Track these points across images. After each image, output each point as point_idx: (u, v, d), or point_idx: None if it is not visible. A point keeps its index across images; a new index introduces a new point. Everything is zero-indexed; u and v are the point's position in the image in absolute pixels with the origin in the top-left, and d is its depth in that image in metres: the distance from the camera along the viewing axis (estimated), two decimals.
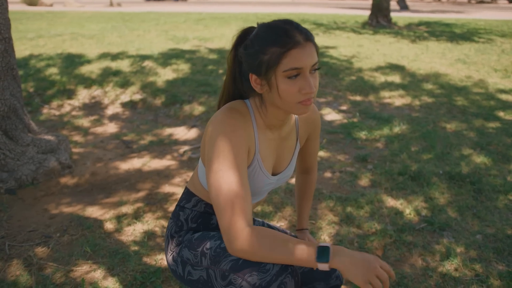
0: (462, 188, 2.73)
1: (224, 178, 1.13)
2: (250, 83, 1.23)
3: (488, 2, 30.23)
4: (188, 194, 1.44)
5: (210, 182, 1.15)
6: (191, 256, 1.32)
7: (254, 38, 1.18)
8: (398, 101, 4.51)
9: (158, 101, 4.54)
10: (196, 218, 1.41)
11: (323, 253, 1.09)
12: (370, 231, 2.26)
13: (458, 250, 2.15)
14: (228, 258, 1.24)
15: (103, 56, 6.17)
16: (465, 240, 2.23)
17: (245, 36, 1.25)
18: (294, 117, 1.38)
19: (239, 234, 1.11)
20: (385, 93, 4.73)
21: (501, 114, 4.18)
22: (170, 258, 1.38)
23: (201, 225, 1.41)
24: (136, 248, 2.06)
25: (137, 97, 4.66)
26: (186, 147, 3.37)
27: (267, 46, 1.13)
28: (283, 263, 1.13)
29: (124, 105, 4.54)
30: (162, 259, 1.99)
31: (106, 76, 5.20)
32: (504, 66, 6.28)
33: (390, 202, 2.56)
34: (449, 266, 2.02)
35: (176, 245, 1.38)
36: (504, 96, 4.75)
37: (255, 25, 1.24)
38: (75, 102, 4.62)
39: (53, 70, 5.43)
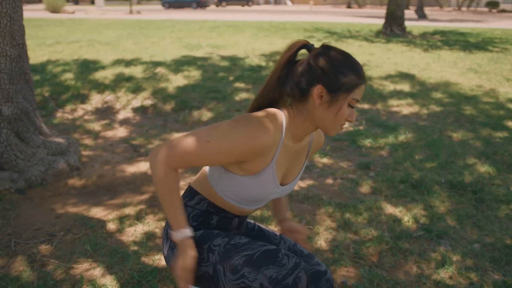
0: (463, 197, 2.73)
1: (201, 145, 1.20)
2: (297, 91, 1.28)
3: (509, 12, 29.85)
4: (191, 192, 1.46)
5: (191, 135, 1.22)
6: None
7: (330, 57, 1.26)
8: (406, 110, 4.52)
9: (168, 107, 4.63)
10: (197, 216, 1.44)
11: (179, 231, 1.26)
12: (366, 237, 2.28)
13: (454, 258, 2.16)
14: (240, 253, 1.29)
15: (117, 62, 6.31)
16: (462, 249, 2.24)
17: (299, 49, 1.31)
18: (310, 136, 1.45)
19: (165, 157, 1.21)
20: (393, 102, 4.74)
21: (509, 123, 4.15)
22: (170, 255, 1.41)
23: (201, 224, 1.45)
24: (135, 248, 2.12)
25: (148, 102, 4.76)
26: None
27: (348, 71, 1.23)
28: (162, 205, 1.27)
29: (135, 110, 4.64)
30: (159, 259, 2.05)
31: (119, 81, 5.32)
32: None
33: (389, 209, 2.58)
34: (444, 274, 2.04)
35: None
36: None
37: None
38: (88, 107, 4.74)
39: (69, 76, 5.58)
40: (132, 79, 5.39)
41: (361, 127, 3.92)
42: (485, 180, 2.97)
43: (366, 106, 4.60)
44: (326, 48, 1.28)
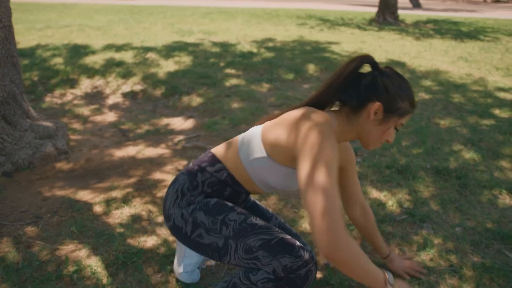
0: (447, 182, 2.77)
1: (329, 195, 1.13)
2: (355, 102, 1.36)
3: (504, 2, 29.86)
4: (212, 159, 1.49)
5: (316, 201, 1.13)
6: (207, 221, 1.39)
7: (394, 80, 1.36)
8: None
9: (158, 92, 4.62)
10: (213, 184, 1.46)
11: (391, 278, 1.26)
12: (349, 221, 2.31)
13: (436, 241, 2.20)
14: (257, 236, 1.34)
15: (108, 47, 6.26)
16: (444, 232, 2.28)
17: (365, 62, 1.38)
18: None
19: (344, 245, 1.11)
20: None
21: (496, 111, 4.19)
22: (177, 214, 1.43)
23: (215, 192, 1.47)
24: (121, 230, 2.14)
25: (138, 87, 4.75)
26: (181, 137, 3.44)
27: (406, 98, 1.36)
28: (358, 279, 1.18)
29: (125, 95, 4.63)
30: (145, 241, 2.07)
31: (109, 66, 5.29)
32: (506, 64, 6.27)
33: (374, 193, 2.61)
34: (425, 256, 2.07)
35: (187, 204, 1.43)
36: (502, 94, 4.75)
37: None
38: (77, 92, 4.72)
39: (58, 60, 5.53)
40: (123, 64, 5.36)
41: None
42: (470, 166, 3.01)
43: None
44: (391, 70, 1.39)
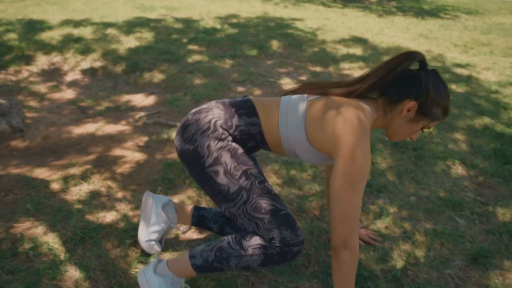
0: (404, 154, 2.86)
1: (358, 200, 1.31)
2: (395, 96, 1.41)
3: None
4: (251, 110, 1.47)
5: (346, 195, 1.30)
6: (231, 164, 1.41)
7: (437, 86, 1.40)
8: (357, 73, 4.60)
9: (119, 69, 4.51)
10: (244, 133, 1.46)
11: None
12: (310, 192, 2.37)
13: (391, 210, 2.28)
14: (271, 201, 1.39)
15: (66, 22, 6.03)
16: (399, 201, 2.36)
17: (416, 60, 1.40)
18: None
19: (352, 248, 1.33)
20: (345, 65, 4.81)
21: (453, 86, 4.32)
22: (204, 143, 1.41)
23: (242, 140, 1.48)
24: (79, 206, 2.11)
25: (98, 64, 4.62)
26: (142, 114, 3.39)
27: (442, 104, 1.40)
28: (340, 285, 1.39)
29: (84, 72, 4.50)
30: (104, 217, 2.05)
31: (67, 43, 5.11)
32: (464, 41, 6.44)
33: None
34: (380, 224, 2.15)
35: (216, 139, 1.42)
36: (459, 70, 4.90)
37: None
38: (34, 68, 4.55)
39: (12, 36, 5.29)
40: (81, 40, 5.18)
41: None
42: (426, 138, 3.11)
43: (318, 69, 4.65)
44: (437, 75, 1.41)
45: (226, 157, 1.41)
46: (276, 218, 1.38)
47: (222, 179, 1.40)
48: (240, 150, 1.45)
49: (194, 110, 1.52)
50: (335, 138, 1.33)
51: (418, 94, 1.39)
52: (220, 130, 1.44)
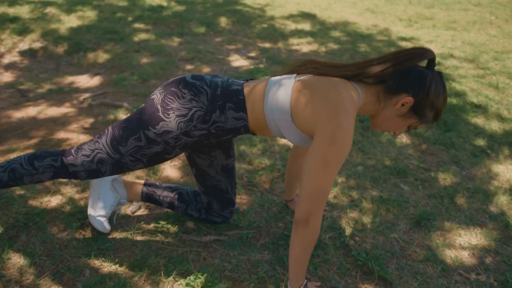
0: None
1: (329, 182, 1.29)
2: (394, 87, 1.37)
3: None
4: (240, 104, 1.42)
5: (318, 175, 1.28)
6: (148, 153, 1.46)
7: (438, 89, 1.37)
8: (306, 48, 4.63)
9: (61, 49, 4.31)
10: (222, 129, 1.44)
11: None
12: (260, 166, 2.38)
13: (340, 180, 2.34)
14: (103, 166, 1.48)
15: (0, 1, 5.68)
16: (347, 171, 2.42)
17: (425, 58, 1.36)
18: None
19: (314, 226, 1.34)
20: (294, 40, 4.83)
21: None
22: (168, 126, 1.40)
23: (215, 136, 1.46)
24: (21, 192, 2.03)
25: (37, 45, 4.39)
26: (87, 95, 3.27)
27: (436, 110, 1.38)
28: (294, 264, 1.43)
29: (23, 53, 4.27)
30: (49, 201, 1.98)
31: (2, 23, 4.81)
32: (409, 16, 6.61)
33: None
34: (329, 195, 2.20)
35: (180, 129, 1.41)
36: (404, 43, 5.03)
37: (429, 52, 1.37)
38: None
39: None
40: (18, 20, 4.90)
41: (261, 65, 3.97)
42: None
43: (267, 45, 4.64)
44: (441, 77, 1.38)
45: (156, 149, 1.43)
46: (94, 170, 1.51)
47: (130, 143, 1.43)
48: (168, 156, 1.47)
49: (193, 79, 1.45)
50: (317, 116, 1.30)
51: (418, 91, 1.35)
52: (193, 124, 1.40)
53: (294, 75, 1.44)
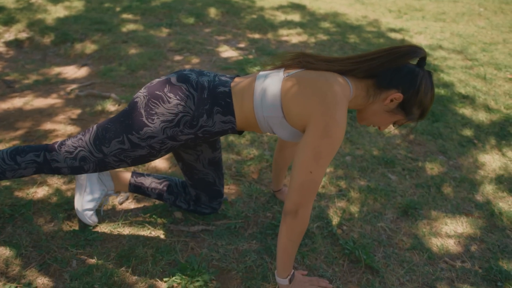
0: None
1: (320, 174, 1.30)
2: (385, 83, 1.37)
3: None
4: (228, 107, 1.40)
5: (310, 167, 1.28)
6: (132, 155, 1.44)
7: (428, 88, 1.38)
8: (295, 39, 4.62)
9: (47, 40, 4.26)
10: (209, 133, 1.43)
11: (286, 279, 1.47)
12: (248, 157, 2.38)
13: (328, 170, 2.35)
14: (84, 163, 1.46)
15: None
16: (335, 162, 2.43)
17: (418, 57, 1.36)
18: None
19: (303, 217, 1.34)
20: (283, 31, 4.81)
21: None
22: (153, 131, 1.38)
23: (203, 138, 1.46)
24: (7, 183, 2.01)
25: (23, 35, 4.33)
26: (74, 86, 3.24)
27: (423, 108, 1.40)
28: (282, 255, 1.42)
29: (8, 44, 4.20)
30: (35, 192, 1.96)
31: None
32: (398, 7, 6.61)
33: None
34: None
35: (166, 134, 1.39)
36: (393, 35, 5.04)
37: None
38: None
39: None
40: (3, 10, 4.83)
41: (250, 56, 3.96)
42: None
43: (256, 36, 4.62)
44: (430, 76, 1.40)
45: (141, 152, 1.42)
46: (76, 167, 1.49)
47: (113, 145, 1.41)
48: (153, 158, 1.47)
49: (178, 81, 1.41)
50: (310, 109, 1.29)
51: (409, 88, 1.35)
52: (179, 128, 1.38)
53: (282, 70, 1.42)
